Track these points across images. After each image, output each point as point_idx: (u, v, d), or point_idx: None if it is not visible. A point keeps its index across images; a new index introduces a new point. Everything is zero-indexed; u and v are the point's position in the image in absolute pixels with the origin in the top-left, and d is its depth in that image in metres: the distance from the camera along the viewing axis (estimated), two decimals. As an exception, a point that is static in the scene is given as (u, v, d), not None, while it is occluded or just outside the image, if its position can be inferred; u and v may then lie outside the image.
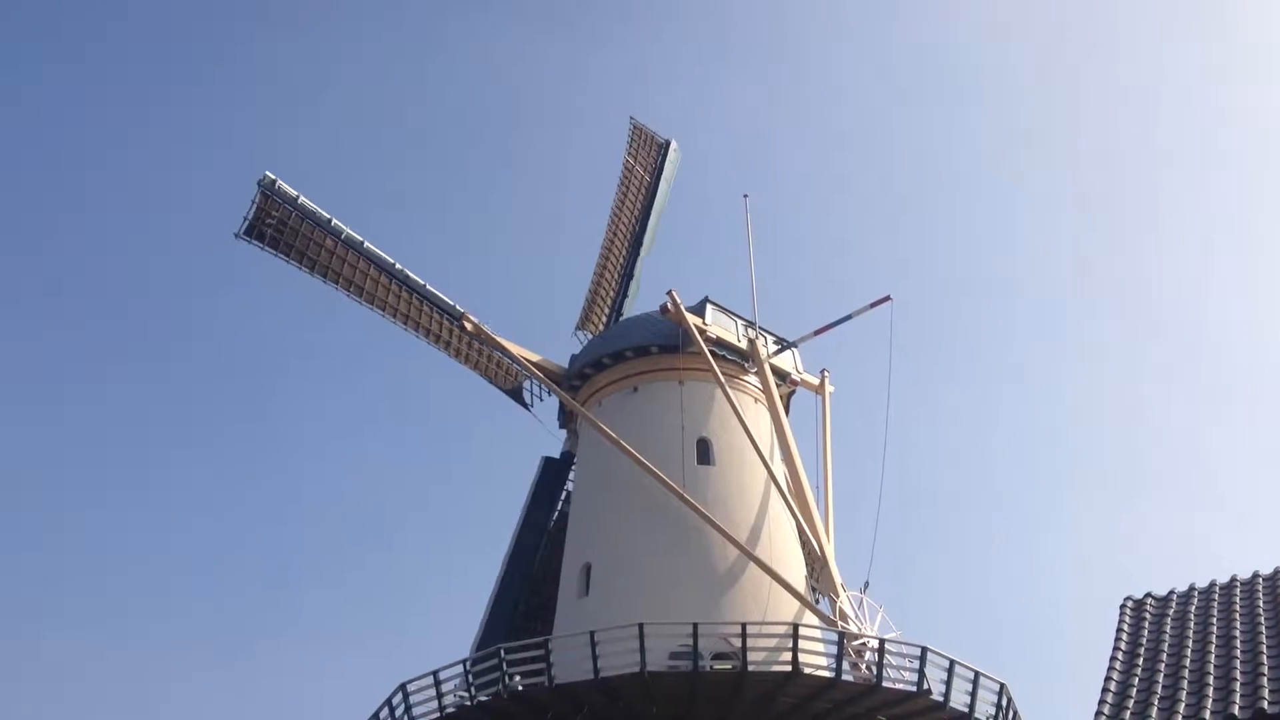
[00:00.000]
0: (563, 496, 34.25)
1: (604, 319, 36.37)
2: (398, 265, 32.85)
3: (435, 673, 25.71)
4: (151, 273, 78.96)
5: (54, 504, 71.34)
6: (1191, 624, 19.19)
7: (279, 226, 31.40)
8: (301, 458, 77.25)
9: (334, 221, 32.10)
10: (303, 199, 31.70)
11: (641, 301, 36.62)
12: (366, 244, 32.50)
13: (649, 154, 38.53)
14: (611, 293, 36.60)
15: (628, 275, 36.82)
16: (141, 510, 72.84)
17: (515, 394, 35.42)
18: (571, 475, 34.48)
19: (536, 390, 35.21)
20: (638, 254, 37.00)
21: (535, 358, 34.19)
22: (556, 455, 35.02)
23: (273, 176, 31.48)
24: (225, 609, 68.16)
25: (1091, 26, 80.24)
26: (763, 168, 78.63)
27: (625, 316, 36.07)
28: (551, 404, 35.16)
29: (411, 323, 33.26)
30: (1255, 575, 20.25)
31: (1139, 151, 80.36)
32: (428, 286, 33.19)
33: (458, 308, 33.31)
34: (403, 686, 25.92)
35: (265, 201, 31.20)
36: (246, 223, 31.09)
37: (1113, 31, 79.78)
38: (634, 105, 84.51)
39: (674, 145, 39.23)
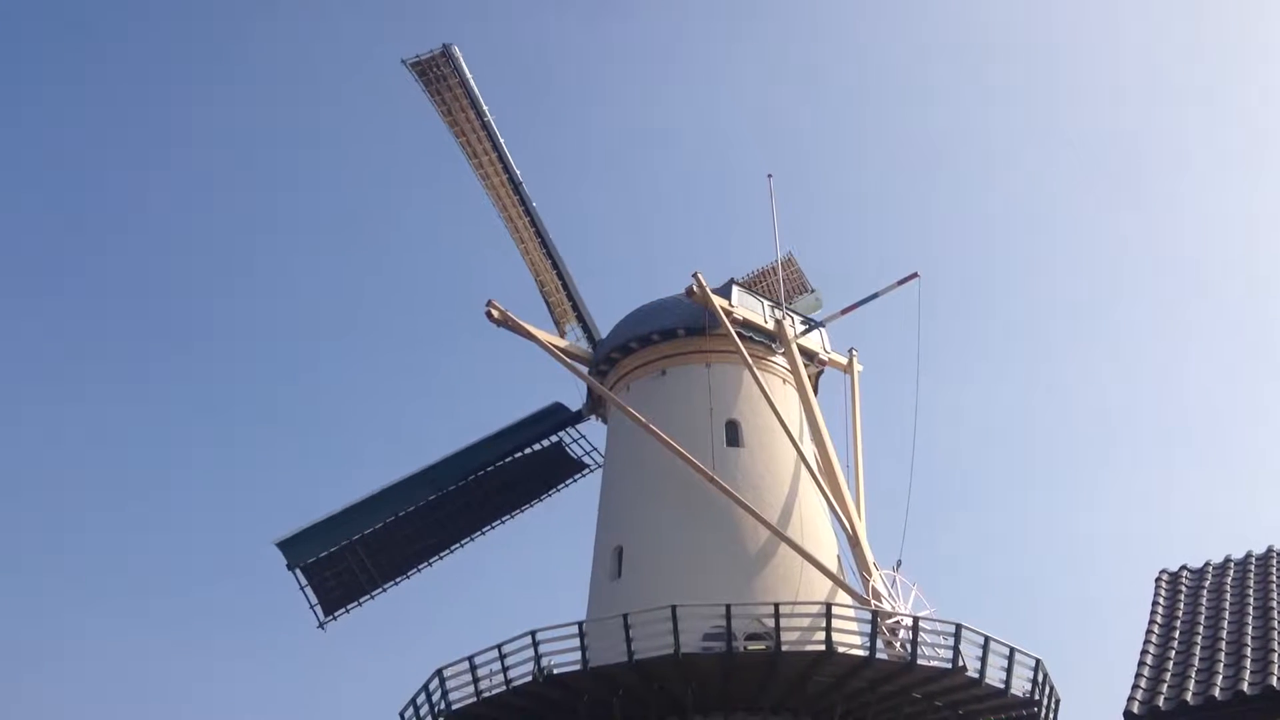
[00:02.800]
0: (537, 448, 35.20)
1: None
2: (518, 173, 35.75)
3: (471, 658, 25.85)
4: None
5: (118, 491, 72.64)
6: (1228, 596, 19.09)
7: (440, 80, 35.40)
8: (316, 453, 78.07)
9: (484, 105, 35.64)
10: (470, 78, 35.58)
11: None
12: (501, 139, 35.83)
13: (792, 283, 38.88)
14: None
15: None
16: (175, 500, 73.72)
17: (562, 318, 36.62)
18: (565, 433, 35.41)
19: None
20: None
21: (562, 343, 34.25)
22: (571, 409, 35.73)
23: (457, 50, 35.48)
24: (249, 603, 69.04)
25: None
26: (787, 145, 78.33)
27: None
28: (580, 386, 35.14)
29: (500, 205, 35.89)
30: (1291, 545, 20.12)
31: (1177, 124, 79.54)
32: (532, 202, 35.75)
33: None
34: (439, 672, 26.12)
35: (441, 58, 35.26)
36: (417, 58, 35.06)
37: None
38: (654, 81, 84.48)
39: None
